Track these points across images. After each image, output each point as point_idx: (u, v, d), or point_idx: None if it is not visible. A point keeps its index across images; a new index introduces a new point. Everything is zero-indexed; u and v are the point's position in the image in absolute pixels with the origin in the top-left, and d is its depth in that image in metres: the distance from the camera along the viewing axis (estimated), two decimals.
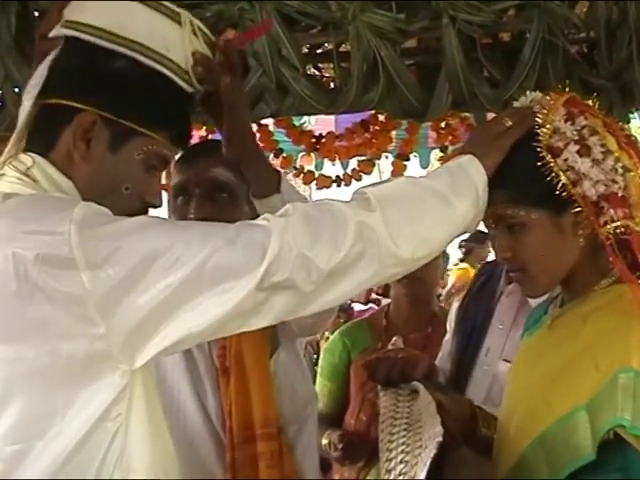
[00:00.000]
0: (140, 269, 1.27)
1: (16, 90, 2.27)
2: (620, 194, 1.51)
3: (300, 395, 2.29)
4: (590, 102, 1.60)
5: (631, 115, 2.50)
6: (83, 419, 1.30)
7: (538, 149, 1.51)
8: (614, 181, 1.51)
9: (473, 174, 1.49)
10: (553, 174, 1.50)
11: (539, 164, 1.51)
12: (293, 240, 1.32)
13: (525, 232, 1.55)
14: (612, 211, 1.50)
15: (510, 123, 1.55)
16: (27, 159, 1.41)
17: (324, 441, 2.74)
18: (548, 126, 1.52)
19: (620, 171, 1.51)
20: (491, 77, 2.30)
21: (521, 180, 1.53)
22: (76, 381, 1.30)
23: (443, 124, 4.74)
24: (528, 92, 1.61)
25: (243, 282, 1.29)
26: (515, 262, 1.59)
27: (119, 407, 1.33)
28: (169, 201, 2.17)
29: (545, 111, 1.54)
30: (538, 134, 1.52)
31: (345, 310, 6.94)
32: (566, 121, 1.53)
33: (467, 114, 3.92)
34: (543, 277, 1.59)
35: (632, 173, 1.53)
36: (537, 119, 1.53)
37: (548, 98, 1.56)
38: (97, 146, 1.42)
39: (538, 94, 1.59)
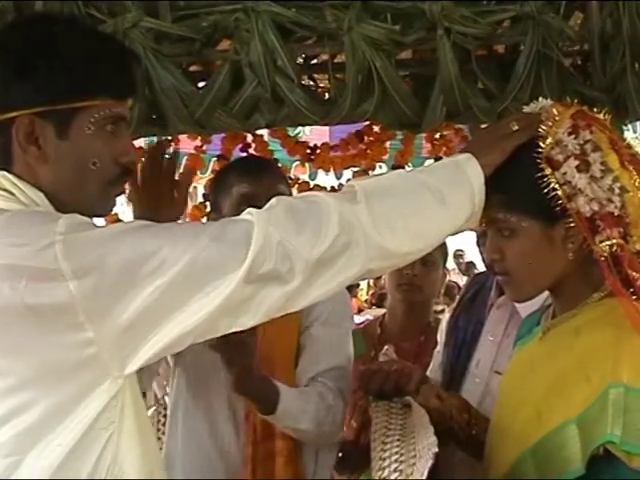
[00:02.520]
0: (127, 274, 1.27)
1: None
2: (616, 213, 1.50)
3: None
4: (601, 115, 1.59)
5: (624, 127, 2.51)
6: (76, 428, 1.30)
7: (538, 159, 1.51)
8: (610, 200, 1.50)
9: (469, 171, 1.48)
10: (550, 186, 1.50)
11: (537, 174, 1.51)
12: (276, 231, 1.32)
13: (514, 238, 1.56)
14: (608, 230, 1.49)
15: (517, 127, 1.54)
16: None
17: None
18: (550, 138, 1.52)
19: (617, 191, 1.50)
20: (485, 89, 2.30)
21: (517, 187, 1.53)
22: (68, 391, 1.30)
23: (437, 135, 4.74)
24: (541, 98, 1.60)
25: (230, 277, 1.29)
26: (501, 265, 1.60)
27: (111, 414, 1.33)
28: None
29: (550, 123, 1.53)
30: (539, 144, 1.52)
31: None
32: (570, 134, 1.52)
33: (461, 125, 3.93)
34: (527, 284, 1.60)
35: (630, 194, 1.51)
36: (540, 129, 1.52)
37: (555, 110, 1.55)
38: (46, 142, 1.41)
39: (548, 102, 1.59)
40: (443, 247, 2.96)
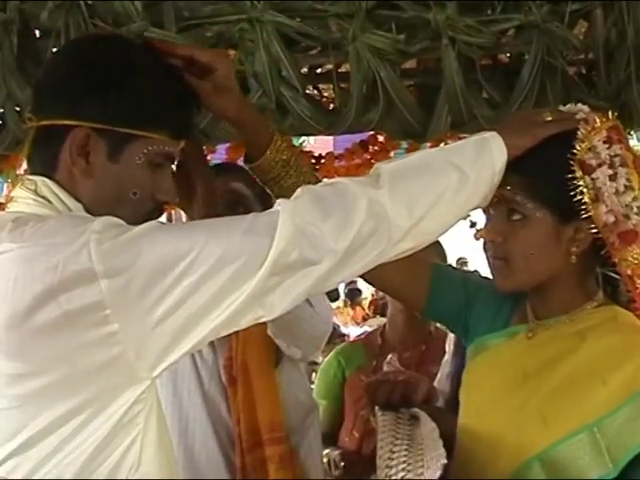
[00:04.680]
0: (158, 275, 1.27)
1: (17, 109, 2.29)
2: (636, 230, 1.52)
3: (302, 406, 2.35)
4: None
5: (629, 136, 2.51)
6: (101, 428, 1.31)
7: (571, 161, 1.52)
8: (627, 217, 1.51)
9: (494, 151, 1.49)
10: (578, 189, 1.51)
11: (566, 171, 1.52)
12: (302, 221, 1.32)
13: (523, 225, 1.56)
14: (629, 247, 1.51)
15: (550, 118, 1.55)
16: (32, 182, 1.42)
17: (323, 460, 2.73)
18: (587, 143, 1.52)
19: (635, 210, 1.52)
20: (490, 98, 2.31)
21: (543, 176, 1.54)
22: (94, 392, 1.30)
23: (442, 144, 4.74)
24: (579, 104, 1.61)
25: (257, 268, 1.29)
26: (501, 249, 1.59)
27: (137, 418, 1.34)
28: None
29: (589, 128, 1.54)
30: (574, 145, 1.53)
31: (341, 336, 6.99)
32: (604, 143, 1.53)
33: (466, 135, 3.93)
34: (520, 274, 1.59)
35: None
36: (578, 132, 1.53)
37: (596, 118, 1.56)
38: (96, 159, 1.42)
39: (586, 108, 1.59)
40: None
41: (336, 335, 7.43)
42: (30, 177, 1.43)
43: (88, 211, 1.42)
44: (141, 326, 1.27)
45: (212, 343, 2.27)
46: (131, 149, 1.43)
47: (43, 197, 1.41)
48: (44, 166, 1.44)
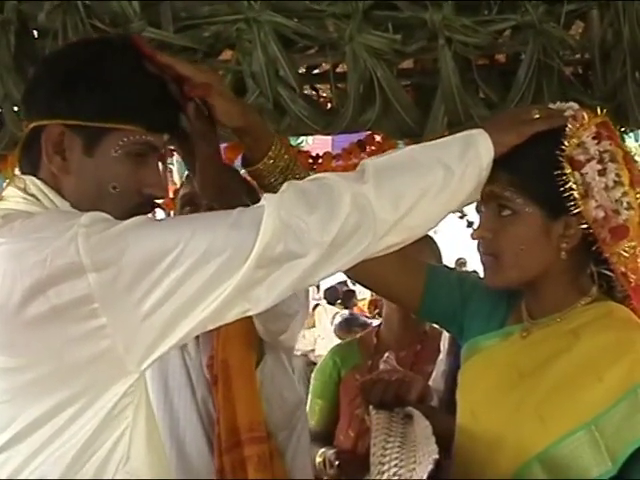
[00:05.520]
0: (146, 268, 1.28)
1: (15, 109, 2.29)
2: (626, 225, 1.52)
3: (288, 402, 2.36)
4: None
5: (626, 136, 2.52)
6: (90, 422, 1.32)
7: (560, 157, 1.53)
8: (617, 212, 1.52)
9: (480, 148, 1.49)
10: (568, 185, 1.52)
11: (555, 167, 1.52)
12: (287, 214, 1.33)
13: (513, 221, 1.56)
14: (620, 242, 1.52)
15: (538, 116, 1.56)
16: (22, 181, 1.44)
17: (317, 459, 2.74)
18: (575, 139, 1.53)
19: (625, 205, 1.52)
20: (487, 98, 2.31)
21: (532, 171, 1.54)
22: (83, 386, 1.31)
23: None
24: (571, 102, 1.62)
25: (243, 261, 1.30)
26: (491, 246, 1.59)
27: (126, 412, 1.35)
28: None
29: (578, 124, 1.54)
30: (563, 142, 1.53)
31: (362, 325, 6.98)
32: (593, 139, 1.54)
33: None
34: (512, 271, 1.59)
35: (632, 212, 1.53)
36: (566, 128, 1.54)
37: (584, 114, 1.56)
38: (72, 155, 1.43)
39: (575, 105, 1.60)
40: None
41: (357, 324, 7.46)
42: (20, 176, 1.45)
43: (75, 208, 1.43)
44: (129, 319, 1.29)
45: (197, 340, 2.28)
46: (106, 142, 1.43)
47: (32, 195, 1.43)
48: (30, 166, 1.46)
